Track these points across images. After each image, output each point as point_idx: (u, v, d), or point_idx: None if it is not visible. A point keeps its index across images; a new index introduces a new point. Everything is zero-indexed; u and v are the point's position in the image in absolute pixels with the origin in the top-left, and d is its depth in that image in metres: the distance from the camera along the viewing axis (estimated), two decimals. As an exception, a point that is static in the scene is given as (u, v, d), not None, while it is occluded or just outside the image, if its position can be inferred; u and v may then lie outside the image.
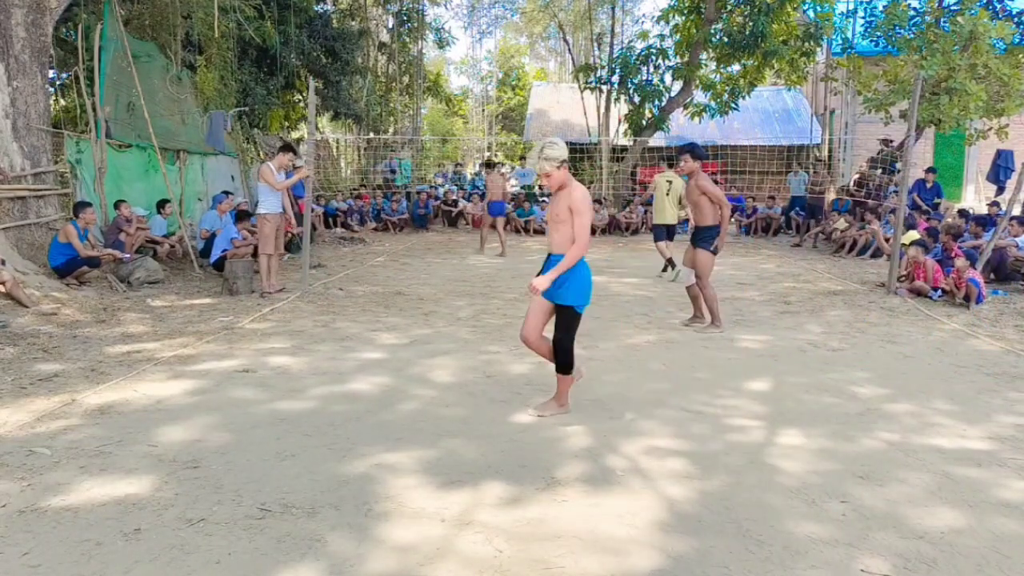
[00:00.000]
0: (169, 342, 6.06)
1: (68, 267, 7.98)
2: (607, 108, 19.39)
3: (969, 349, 6.20)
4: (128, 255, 8.80)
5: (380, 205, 17.31)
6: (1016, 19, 14.02)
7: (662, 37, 17.74)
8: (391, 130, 24.52)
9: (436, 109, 34.53)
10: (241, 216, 9.98)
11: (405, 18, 24.02)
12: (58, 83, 14.82)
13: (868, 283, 9.63)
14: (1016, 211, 10.32)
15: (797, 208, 16.25)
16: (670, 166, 11.97)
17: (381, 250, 13.40)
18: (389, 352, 5.86)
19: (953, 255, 8.86)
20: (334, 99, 18.58)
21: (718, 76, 17.77)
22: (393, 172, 19.50)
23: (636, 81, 17.97)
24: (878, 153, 15.63)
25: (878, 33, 14.29)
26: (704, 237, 6.62)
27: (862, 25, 15.62)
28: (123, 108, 10.44)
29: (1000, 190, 14.97)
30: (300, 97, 18.97)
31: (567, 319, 4.29)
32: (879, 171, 15.15)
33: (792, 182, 16.69)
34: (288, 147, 8.63)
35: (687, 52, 17.39)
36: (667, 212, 10.43)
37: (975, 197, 18.17)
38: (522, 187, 21.24)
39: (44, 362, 5.40)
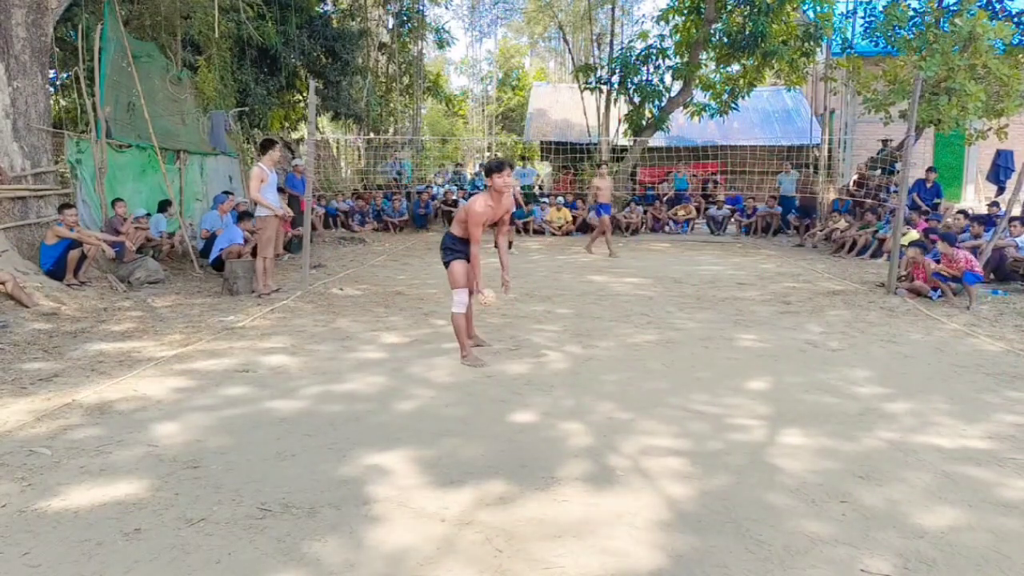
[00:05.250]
0: (169, 342, 6.06)
1: (58, 266, 7.95)
2: (607, 108, 19.40)
3: (969, 349, 6.20)
4: (116, 243, 8.72)
5: (380, 205, 17.32)
6: (1015, 19, 14.02)
7: (662, 37, 17.75)
8: (391, 130, 24.52)
9: (436, 109, 34.54)
10: (243, 217, 9.97)
11: (405, 18, 24.02)
12: (58, 83, 14.82)
13: (868, 283, 9.63)
14: (1016, 211, 10.32)
15: (794, 210, 16.26)
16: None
17: (381, 250, 13.41)
18: (389, 352, 5.86)
19: (932, 239, 8.78)
20: (334, 99, 18.58)
21: (718, 76, 17.77)
22: (400, 174, 19.52)
23: (636, 81, 17.98)
24: (878, 153, 15.64)
25: (877, 33, 14.29)
26: None
27: (862, 25, 15.62)
28: (123, 108, 10.44)
29: (1000, 190, 14.98)
30: (300, 97, 18.97)
31: None
32: (878, 171, 15.15)
33: (783, 182, 16.70)
34: (270, 143, 8.39)
35: (687, 52, 17.40)
36: None
37: (975, 197, 18.17)
38: (521, 187, 21.25)
39: (44, 362, 5.40)
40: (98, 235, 8.63)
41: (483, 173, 5.74)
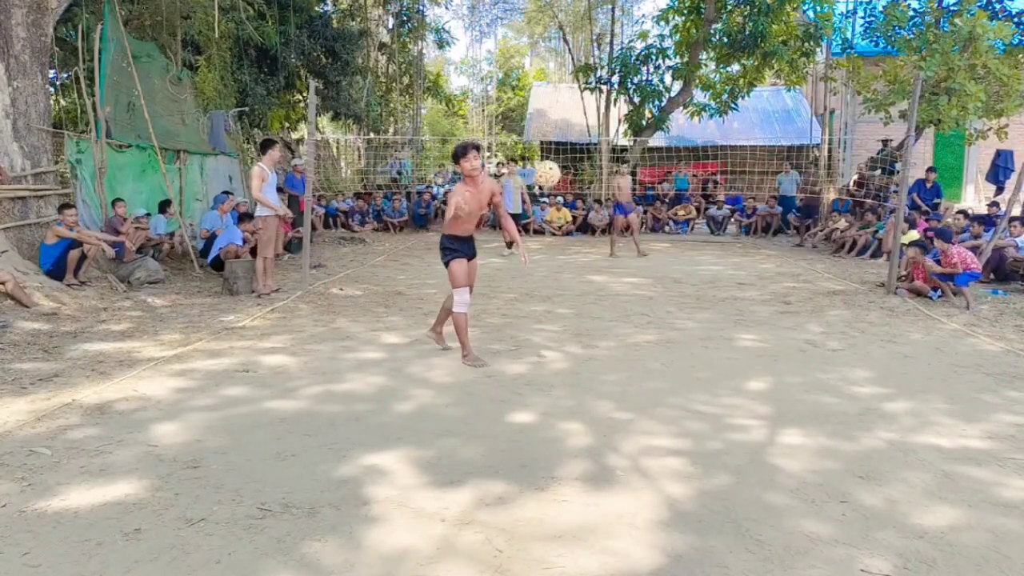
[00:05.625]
0: (169, 342, 6.06)
1: (58, 266, 7.95)
2: (607, 108, 19.39)
3: (969, 349, 6.20)
4: (117, 243, 8.70)
5: (380, 205, 17.33)
6: (1015, 19, 14.02)
7: (662, 37, 17.75)
8: (391, 130, 24.52)
9: (436, 109, 34.55)
10: (243, 218, 9.96)
11: (405, 18, 24.03)
12: (58, 83, 14.82)
13: (868, 283, 9.63)
14: (1016, 211, 10.31)
15: (794, 210, 16.25)
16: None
17: (381, 250, 13.40)
18: (389, 352, 5.87)
19: (930, 236, 8.77)
20: (334, 99, 18.59)
21: (718, 76, 17.78)
22: (399, 174, 19.53)
23: (636, 81, 17.98)
24: (878, 153, 15.64)
25: (877, 33, 14.29)
26: None
27: (862, 25, 15.62)
28: (123, 108, 10.44)
29: (999, 190, 14.97)
30: (300, 97, 18.97)
31: None
32: (878, 171, 15.15)
33: (783, 182, 16.68)
34: (270, 142, 8.37)
35: (687, 52, 17.40)
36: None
37: (975, 197, 18.17)
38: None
39: (44, 362, 5.40)
40: (98, 235, 8.62)
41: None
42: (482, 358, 5.56)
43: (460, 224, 5.45)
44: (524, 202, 15.89)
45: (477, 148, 5.44)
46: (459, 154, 5.36)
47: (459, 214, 5.33)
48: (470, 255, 5.58)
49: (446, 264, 5.53)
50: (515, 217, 13.00)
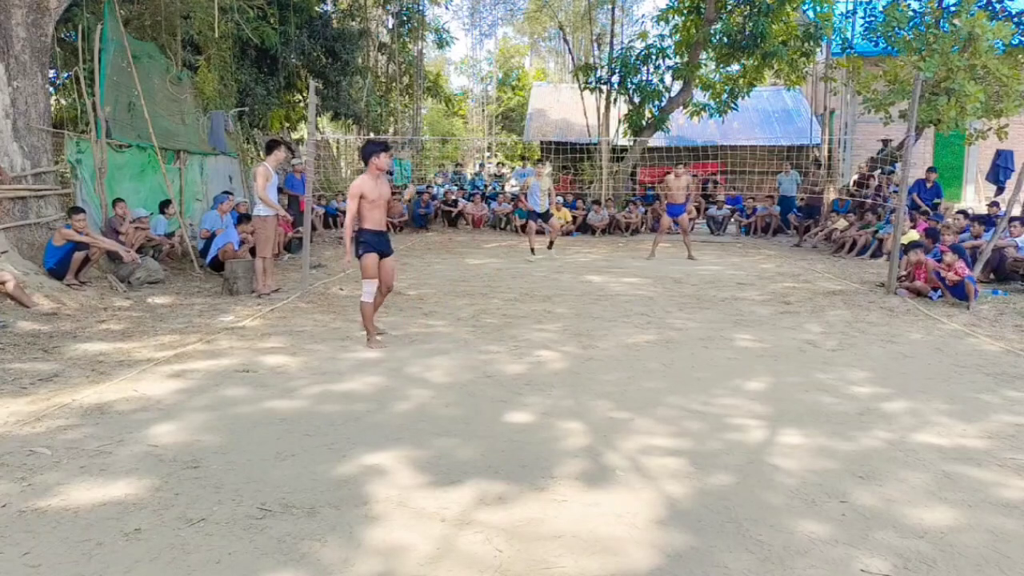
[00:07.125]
0: (169, 342, 6.06)
1: (61, 265, 7.95)
2: (607, 108, 19.39)
3: (969, 349, 6.20)
4: (127, 251, 8.70)
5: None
6: (1015, 19, 14.02)
7: (662, 37, 17.76)
8: (391, 130, 24.52)
9: (436, 109, 34.54)
10: (243, 219, 9.95)
11: (405, 18, 24.04)
12: (58, 83, 14.82)
13: (868, 283, 9.63)
14: (1016, 211, 10.31)
15: (794, 209, 16.24)
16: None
17: (381, 250, 13.38)
18: (388, 352, 5.87)
19: (941, 250, 8.81)
20: (334, 99, 18.59)
21: (718, 76, 17.78)
22: (390, 173, 19.49)
23: (636, 81, 17.98)
24: (878, 153, 15.64)
25: (877, 33, 14.30)
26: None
27: (862, 25, 15.63)
28: (123, 108, 10.43)
29: (999, 190, 14.97)
30: (300, 97, 18.97)
31: None
32: (878, 171, 15.16)
33: (783, 182, 16.67)
34: (276, 143, 8.39)
35: (687, 52, 17.41)
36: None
37: (975, 197, 18.17)
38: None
39: (44, 362, 5.40)
40: (114, 243, 8.57)
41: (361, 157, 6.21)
42: (384, 342, 6.05)
43: (371, 215, 5.81)
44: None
45: (387, 148, 5.95)
46: (378, 150, 5.79)
47: (365, 198, 5.73)
48: (386, 252, 5.95)
49: (358, 256, 5.88)
50: (543, 215, 13.00)
